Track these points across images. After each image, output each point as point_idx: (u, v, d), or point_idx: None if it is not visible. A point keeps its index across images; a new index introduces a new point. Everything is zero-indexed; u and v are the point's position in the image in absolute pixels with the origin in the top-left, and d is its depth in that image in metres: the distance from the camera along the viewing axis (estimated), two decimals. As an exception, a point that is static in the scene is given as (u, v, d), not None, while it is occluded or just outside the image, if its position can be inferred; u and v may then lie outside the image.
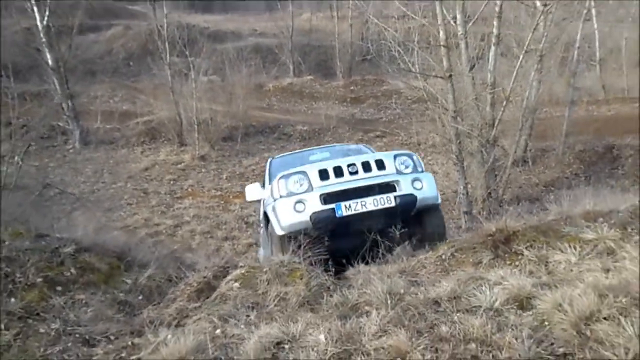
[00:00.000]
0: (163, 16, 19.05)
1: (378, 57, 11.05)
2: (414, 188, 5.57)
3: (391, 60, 10.94)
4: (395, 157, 5.86)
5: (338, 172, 5.60)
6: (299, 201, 5.38)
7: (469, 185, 10.78)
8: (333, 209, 5.31)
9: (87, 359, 3.18)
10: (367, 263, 5.00)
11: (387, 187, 5.54)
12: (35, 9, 17.67)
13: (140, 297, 4.24)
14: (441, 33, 9.41)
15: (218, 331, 3.52)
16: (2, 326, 3.38)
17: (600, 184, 9.39)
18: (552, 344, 3.24)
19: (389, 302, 3.83)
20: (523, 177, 11.78)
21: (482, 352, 3.15)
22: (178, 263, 5.25)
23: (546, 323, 3.48)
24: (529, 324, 3.44)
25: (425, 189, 5.64)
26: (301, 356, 3.16)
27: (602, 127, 14.72)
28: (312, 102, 24.37)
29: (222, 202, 13.92)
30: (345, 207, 5.31)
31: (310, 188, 5.52)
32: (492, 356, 3.10)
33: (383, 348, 3.23)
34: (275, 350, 3.25)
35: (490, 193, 10.65)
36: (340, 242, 5.33)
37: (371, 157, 5.82)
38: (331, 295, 4.06)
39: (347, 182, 5.55)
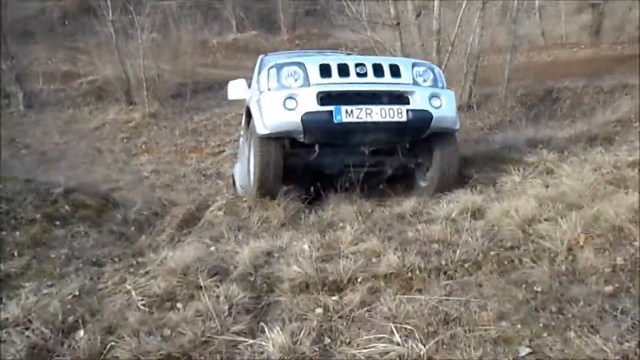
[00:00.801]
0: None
1: (327, 7, 11.33)
2: (431, 105, 4.77)
3: (339, 11, 11.30)
4: (413, 65, 5.02)
5: (343, 70, 4.73)
6: (290, 97, 4.54)
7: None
8: (331, 111, 4.49)
9: (99, 275, 3.57)
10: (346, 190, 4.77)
11: (400, 98, 4.75)
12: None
13: (132, 229, 4.63)
14: (388, -18, 9.86)
15: (212, 248, 3.95)
16: (16, 253, 3.72)
17: (540, 124, 10.16)
18: (501, 240, 3.84)
19: (359, 218, 4.38)
20: (469, 121, 12.42)
21: (443, 249, 3.72)
22: (161, 200, 5.60)
23: (495, 227, 4.07)
24: (481, 228, 4.03)
25: (444, 108, 4.83)
26: (290, 261, 3.64)
27: (542, 72, 15.51)
28: (258, 57, 24.41)
29: (178, 157, 14.14)
30: (346, 112, 4.48)
31: (307, 83, 4.66)
32: (452, 251, 3.66)
33: (359, 251, 3.75)
34: (267, 258, 3.72)
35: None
36: (331, 156, 4.76)
37: (385, 61, 4.98)
38: (308, 217, 4.56)
39: (352, 83, 4.70)
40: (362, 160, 4.95)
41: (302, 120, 4.49)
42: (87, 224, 4.39)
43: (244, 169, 5.88)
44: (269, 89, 4.72)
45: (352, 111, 4.48)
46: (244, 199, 4.71)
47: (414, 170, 5.35)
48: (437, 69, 5.17)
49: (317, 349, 2.78)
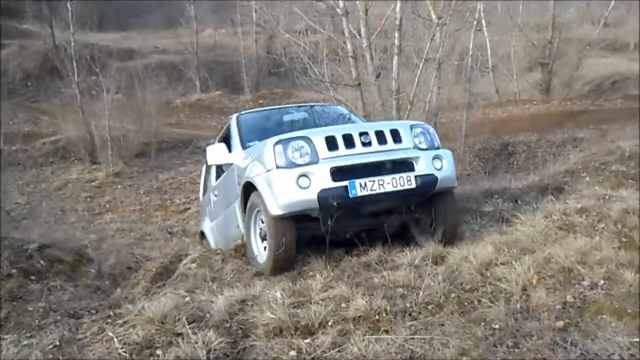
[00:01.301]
0: (69, 34, 18.98)
1: (291, 69, 11.79)
2: (434, 167, 4.85)
3: (302, 72, 11.76)
4: (411, 127, 5.08)
5: (348, 141, 4.69)
6: (303, 175, 4.47)
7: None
8: (346, 187, 4.47)
9: (77, 326, 3.67)
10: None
11: (405, 164, 4.81)
12: None
13: (107, 282, 4.74)
14: (348, 45, 10.37)
15: (187, 298, 4.10)
16: (-7, 307, 3.80)
17: (497, 177, 10.65)
18: (461, 283, 4.12)
19: (328, 267, 4.60)
20: (427, 175, 12.84)
21: (407, 292, 3.97)
22: (133, 255, 5.71)
23: (456, 271, 4.36)
24: (442, 272, 4.30)
25: (446, 169, 4.95)
26: (263, 308, 3.82)
27: (497, 128, 16.32)
28: (222, 117, 24.73)
29: (144, 215, 14.14)
30: (361, 185, 4.49)
31: (316, 158, 4.58)
32: (416, 294, 3.91)
33: (329, 297, 3.96)
34: (241, 306, 3.89)
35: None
36: (339, 225, 4.64)
37: (386, 127, 5.01)
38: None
39: (359, 154, 4.68)
40: (367, 224, 5.09)
41: (318, 198, 4.45)
42: (62, 278, 4.49)
43: (223, 230, 5.90)
44: (277, 167, 4.59)
45: (365, 184, 4.51)
46: (217, 251, 4.88)
47: (410, 228, 5.44)
48: (431, 129, 5.30)
49: (292, 389, 2.96)
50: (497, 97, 23.41)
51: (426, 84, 11.80)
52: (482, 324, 3.54)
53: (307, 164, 4.55)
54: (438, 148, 5.14)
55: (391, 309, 3.71)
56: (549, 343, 3.29)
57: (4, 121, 22.91)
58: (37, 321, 3.68)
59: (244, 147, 5.65)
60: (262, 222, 4.88)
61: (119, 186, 16.58)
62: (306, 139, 4.67)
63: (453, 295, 3.91)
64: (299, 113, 6.74)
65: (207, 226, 6.98)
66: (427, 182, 4.78)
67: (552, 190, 6.55)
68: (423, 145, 5.02)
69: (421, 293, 3.91)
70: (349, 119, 6.70)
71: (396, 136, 4.89)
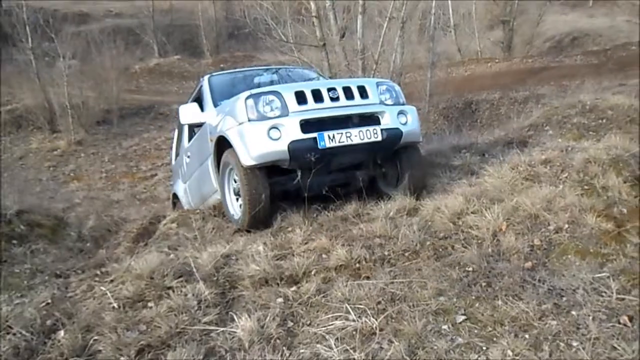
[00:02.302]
0: (18, -2, 18.35)
1: (255, 31, 11.69)
2: (400, 122, 5.07)
3: (266, 34, 11.70)
4: (377, 85, 5.27)
5: (317, 96, 4.87)
6: (274, 127, 4.63)
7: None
8: (315, 138, 4.64)
9: (66, 285, 3.74)
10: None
11: (372, 119, 5.02)
12: None
13: (88, 244, 4.77)
14: (312, 5, 10.37)
15: (172, 256, 4.18)
16: (-22, 271, 3.83)
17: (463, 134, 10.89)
18: (435, 231, 4.32)
19: (306, 222, 4.75)
20: (394, 134, 13.01)
21: (385, 242, 4.15)
22: (112, 218, 5.74)
23: (429, 221, 4.54)
24: (417, 223, 4.48)
25: (411, 124, 5.16)
26: (248, 261, 3.95)
27: (460, 86, 16.51)
28: (183, 82, 24.48)
29: (110, 183, 14.03)
30: (329, 137, 4.68)
31: (286, 112, 4.76)
32: (393, 243, 4.10)
33: (310, 249, 4.11)
34: (225, 260, 4.01)
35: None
36: (310, 179, 4.79)
37: (353, 83, 5.19)
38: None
39: (327, 108, 4.86)
40: (338, 178, 5.29)
41: (288, 148, 4.60)
42: (44, 241, 4.52)
43: (197, 188, 6.02)
44: (249, 120, 4.75)
45: (334, 136, 4.69)
46: (196, 211, 4.96)
47: (378, 180, 5.67)
48: (397, 87, 5.48)
49: (282, 331, 3.13)
50: (459, 56, 23.68)
51: (390, 44, 11.89)
52: (457, 267, 3.75)
53: (277, 117, 4.72)
54: (403, 104, 5.34)
55: (370, 257, 3.88)
56: (518, 281, 3.53)
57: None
58: (25, 282, 3.74)
59: (215, 105, 5.78)
60: (236, 181, 5.03)
61: (82, 154, 16.33)
62: (276, 93, 4.83)
63: (428, 242, 4.11)
64: (269, 75, 6.84)
65: (181, 188, 7.12)
66: (393, 135, 4.97)
67: (517, 144, 6.78)
68: (389, 102, 5.23)
69: (398, 242, 4.10)
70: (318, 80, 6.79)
71: (363, 92, 5.07)
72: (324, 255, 4.01)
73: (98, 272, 3.93)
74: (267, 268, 3.78)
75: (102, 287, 3.41)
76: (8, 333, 3.02)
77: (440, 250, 4.04)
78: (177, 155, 7.83)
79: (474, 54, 24.08)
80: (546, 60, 21.55)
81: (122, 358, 2.87)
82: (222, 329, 3.13)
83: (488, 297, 3.38)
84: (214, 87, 6.13)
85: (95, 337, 3.01)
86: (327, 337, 3.03)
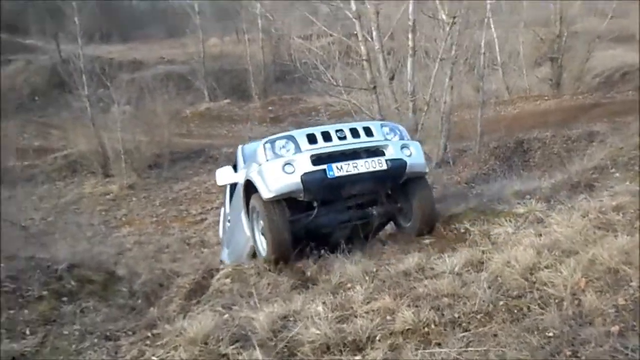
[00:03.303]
0: (75, 48, 19.06)
1: (305, 74, 11.69)
2: (403, 154, 5.51)
3: (316, 78, 11.68)
4: (382, 125, 5.86)
5: (326, 137, 5.43)
6: (288, 163, 5.19)
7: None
8: (324, 170, 5.16)
9: (115, 349, 3.56)
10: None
11: (376, 152, 5.48)
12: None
13: (139, 301, 4.61)
14: (362, 48, 10.30)
15: (226, 316, 3.97)
16: (27, 331, 3.69)
17: (515, 175, 10.48)
18: (507, 289, 3.96)
19: (366, 278, 4.47)
20: (445, 176, 12.74)
21: (454, 302, 3.83)
22: (163, 271, 5.61)
23: (499, 277, 4.20)
24: (486, 279, 4.15)
25: (415, 155, 5.59)
26: (307, 324, 3.69)
27: (510, 125, 16.10)
28: (232, 125, 24.79)
29: (160, 227, 14.09)
30: (337, 167, 5.18)
31: (299, 150, 5.32)
32: (463, 303, 3.77)
33: (373, 310, 3.82)
34: (283, 322, 3.76)
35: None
36: (327, 216, 5.39)
37: (358, 125, 5.71)
38: (315, 283, 4.63)
39: (335, 146, 5.39)
40: (353, 215, 5.66)
41: (301, 179, 5.11)
42: (94, 298, 4.39)
43: (235, 243, 6.53)
44: (267, 160, 5.32)
45: (341, 166, 5.20)
46: (251, 265, 4.79)
47: (395, 216, 6.05)
48: (401, 127, 6.01)
49: (350, 408, 2.83)
50: (507, 94, 23.22)
51: (440, 84, 11.71)
52: (536, 332, 3.39)
53: (291, 155, 5.30)
54: (408, 140, 5.83)
55: (440, 320, 3.57)
56: (608, 350, 3.14)
57: (15, 137, 23.02)
58: (74, 345, 3.58)
59: (245, 166, 6.30)
60: (262, 222, 5.45)
61: (134, 198, 16.56)
62: (290, 137, 5.47)
63: (501, 303, 3.76)
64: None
65: (225, 253, 7.65)
66: (397, 165, 5.41)
67: (583, 188, 6.39)
68: (393, 138, 5.72)
69: (468, 302, 3.77)
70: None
71: (368, 131, 5.59)
72: (388, 317, 3.71)
73: (149, 334, 3.75)
74: (328, 332, 3.50)
75: (153, 357, 3.20)
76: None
77: (516, 311, 3.68)
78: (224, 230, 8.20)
79: (522, 92, 23.58)
80: (597, 97, 20.87)
81: None
82: (284, 403, 2.86)
83: (576, 370, 3.01)
84: (246, 152, 6.84)
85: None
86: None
